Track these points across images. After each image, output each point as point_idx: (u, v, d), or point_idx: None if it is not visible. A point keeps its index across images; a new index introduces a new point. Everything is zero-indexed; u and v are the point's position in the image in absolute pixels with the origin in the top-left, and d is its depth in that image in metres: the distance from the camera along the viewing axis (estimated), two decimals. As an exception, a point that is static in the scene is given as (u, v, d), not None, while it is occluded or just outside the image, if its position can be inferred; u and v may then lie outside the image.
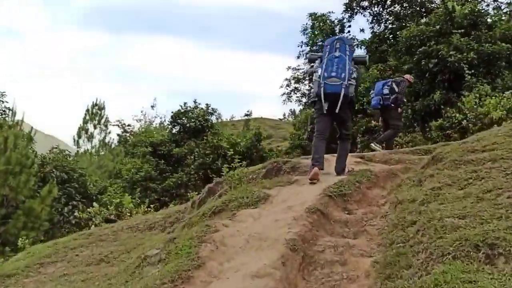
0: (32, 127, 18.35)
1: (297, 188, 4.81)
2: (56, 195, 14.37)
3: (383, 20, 17.56)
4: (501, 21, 11.02)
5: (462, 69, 10.48)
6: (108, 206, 13.85)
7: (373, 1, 17.51)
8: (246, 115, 67.25)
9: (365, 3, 17.73)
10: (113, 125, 35.51)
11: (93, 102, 33.96)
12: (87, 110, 34.61)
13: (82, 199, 16.65)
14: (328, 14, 18.48)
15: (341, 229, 3.74)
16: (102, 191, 19.71)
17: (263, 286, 2.62)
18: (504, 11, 12.36)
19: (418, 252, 2.52)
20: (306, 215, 3.74)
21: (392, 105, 8.19)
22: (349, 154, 6.19)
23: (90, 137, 34.37)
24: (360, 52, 16.94)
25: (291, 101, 21.07)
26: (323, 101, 4.97)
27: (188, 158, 23.61)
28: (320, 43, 17.57)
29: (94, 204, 12.97)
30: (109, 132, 34.33)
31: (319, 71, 5.05)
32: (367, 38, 17.83)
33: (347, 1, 17.63)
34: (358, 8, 17.74)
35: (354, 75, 5.03)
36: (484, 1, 16.05)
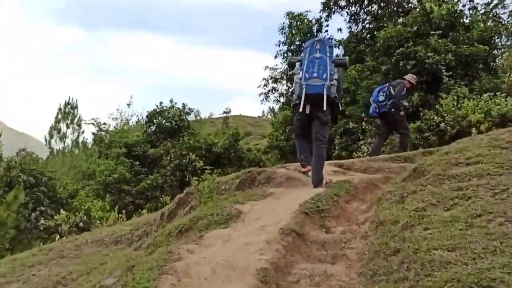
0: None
1: (271, 202, 4.49)
2: (23, 200, 13.72)
3: (361, 19, 17.43)
4: (478, 23, 10.93)
5: (440, 71, 10.35)
6: (76, 213, 13.32)
7: (351, 1, 17.34)
8: (225, 112, 66.68)
9: (343, 3, 17.56)
10: (88, 123, 34.64)
11: (65, 101, 32.98)
12: (59, 109, 33.63)
13: (51, 204, 16.02)
14: (306, 13, 18.25)
15: (318, 252, 3.43)
16: (73, 195, 19.07)
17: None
18: (481, 12, 12.30)
19: (404, 290, 2.23)
20: (280, 238, 3.42)
21: (392, 110, 7.88)
22: (328, 162, 5.94)
23: (63, 137, 33.44)
24: (337, 51, 16.78)
25: (268, 101, 20.78)
26: (302, 102, 4.90)
27: (164, 159, 23.07)
28: (298, 43, 17.33)
29: (62, 211, 12.41)
30: (83, 132, 33.39)
31: (300, 73, 4.97)
32: (345, 38, 17.68)
33: (324, 0, 17.41)
34: (335, 7, 17.55)
35: (336, 76, 4.97)
36: (460, 2, 16.07)
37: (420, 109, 10.52)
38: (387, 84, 8.18)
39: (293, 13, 18.07)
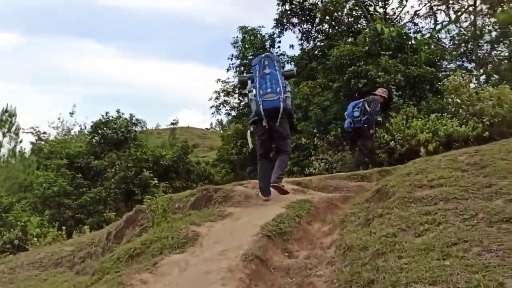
0: None
1: (230, 224, 4.25)
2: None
3: (312, 37, 17.67)
4: (425, 46, 11.32)
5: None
6: (11, 229, 12.38)
7: (303, 19, 17.56)
8: (173, 124, 65.53)
9: (295, 20, 17.74)
10: (27, 132, 32.83)
11: (3, 109, 31.10)
12: (-4, 117, 31.63)
13: (-18, 219, 14.82)
14: (259, 28, 18.29)
15: (283, 280, 3.22)
16: (7, 209, 17.81)
17: None
18: (427, 35, 12.79)
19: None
20: (242, 265, 3.19)
21: (365, 126, 7.92)
22: (286, 180, 5.81)
23: (-1, 147, 31.45)
24: (289, 67, 16.90)
25: (220, 114, 20.55)
26: (263, 117, 4.96)
27: (109, 172, 22.11)
28: (251, 57, 17.28)
29: (-6, 227, 11.45)
30: (21, 141, 31.59)
31: (254, 90, 5.06)
32: (297, 55, 17.84)
33: (277, 17, 17.53)
34: (288, 24, 17.70)
35: (288, 88, 5.12)
36: (406, 25, 16.74)
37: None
38: (362, 100, 8.25)
39: (247, 28, 18.06)
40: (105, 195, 21.14)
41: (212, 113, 20.68)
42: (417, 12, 17.19)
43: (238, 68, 18.44)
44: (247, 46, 17.82)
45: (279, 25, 17.73)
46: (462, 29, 15.57)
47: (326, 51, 15.40)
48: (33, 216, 18.66)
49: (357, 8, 16.62)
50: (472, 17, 15.00)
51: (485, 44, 15.26)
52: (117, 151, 22.99)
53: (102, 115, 23.61)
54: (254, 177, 18.33)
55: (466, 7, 15.02)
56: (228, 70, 18.80)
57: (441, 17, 16.69)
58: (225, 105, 19.52)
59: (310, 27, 17.60)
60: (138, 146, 23.29)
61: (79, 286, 3.63)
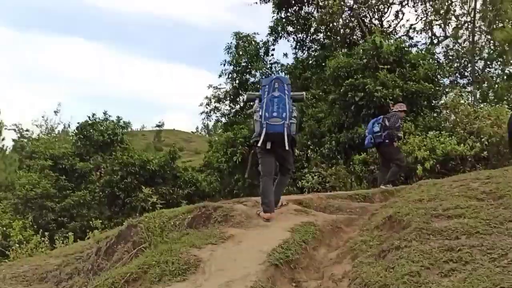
0: None
1: (233, 248, 3.99)
2: None
3: (307, 47, 17.55)
4: (423, 61, 11.26)
5: (387, 105, 10.44)
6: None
7: (298, 27, 17.44)
8: (158, 126, 64.90)
9: (290, 28, 17.61)
10: (9, 129, 32.14)
11: (-15, 106, 30.45)
12: (-22, 114, 30.92)
13: (-40, 220, 14.27)
14: (253, 35, 18.12)
15: (294, 317, 2.98)
16: (-13, 210, 17.24)
17: None
18: (424, 50, 12.73)
19: None
20: (252, 300, 2.94)
21: (387, 141, 7.83)
22: (286, 198, 5.62)
23: (-20, 144, 30.76)
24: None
25: (210, 120, 20.28)
26: (262, 138, 4.93)
27: (93, 175, 21.68)
28: (244, 64, 17.08)
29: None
30: (3, 139, 30.89)
31: (260, 111, 5.03)
32: (290, 63, 17.71)
33: (272, 24, 17.38)
34: (283, 32, 17.56)
35: (294, 113, 5.08)
36: (401, 39, 16.69)
37: (367, 141, 10.51)
38: (382, 116, 8.17)
39: (241, 34, 17.87)
40: (90, 199, 20.68)
41: (203, 119, 20.40)
42: (413, 26, 17.22)
43: (230, 75, 18.22)
44: (240, 53, 17.62)
45: (273, 32, 17.60)
46: (458, 45, 15.60)
47: (321, 61, 15.28)
48: (14, 218, 18.11)
49: (352, 19, 16.55)
50: (467, 33, 15.04)
51: (479, 61, 15.31)
52: (103, 154, 22.56)
53: (89, 117, 23.17)
54: (241, 186, 18.09)
55: (463, 23, 15.05)
56: (220, 76, 18.61)
57: (437, 31, 16.75)
58: (215, 111, 19.28)
59: (305, 36, 17.51)
60: (125, 150, 22.89)
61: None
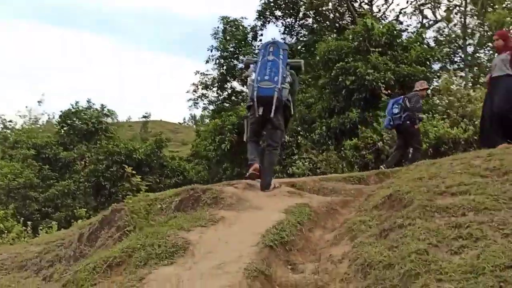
0: None
1: (224, 230, 3.75)
2: None
3: (296, 32, 17.26)
4: (415, 44, 11.05)
5: (379, 89, 10.26)
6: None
7: (286, 12, 17.13)
8: (145, 116, 64.24)
9: (278, 13, 17.29)
10: (-9, 120, 31.46)
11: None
12: (-43, 103, 30.29)
13: None
14: (241, 19, 17.75)
15: (292, 301, 2.76)
16: (-33, 201, 16.80)
17: None
18: (415, 34, 12.53)
19: None
20: (246, 283, 2.71)
21: (407, 122, 7.60)
22: (280, 180, 5.39)
23: (-40, 134, 30.07)
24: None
25: (197, 108, 19.91)
26: (256, 104, 4.86)
27: (78, 164, 21.24)
28: (232, 49, 16.73)
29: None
30: (-15, 130, 30.33)
31: (253, 75, 4.97)
32: (279, 49, 17.37)
33: (260, 9, 17.03)
34: (271, 17, 17.23)
35: (288, 79, 4.96)
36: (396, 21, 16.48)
37: (359, 126, 10.33)
38: (402, 97, 7.94)
39: (228, 18, 17.50)
40: (74, 189, 20.26)
41: (189, 106, 20.04)
42: (403, 10, 17.01)
43: (218, 60, 17.84)
44: (228, 38, 17.26)
45: (261, 17, 17.25)
46: (448, 29, 15.45)
47: (310, 46, 15.03)
48: (-4, 208, 17.65)
49: (342, 3, 16.28)
50: (459, 16, 14.88)
51: (469, 46, 15.20)
52: (87, 143, 22.10)
53: (72, 105, 22.66)
54: (229, 174, 17.82)
55: (454, 6, 14.88)
56: (207, 61, 18.23)
57: (428, 15, 16.55)
58: (203, 98, 18.90)
59: (293, 21, 17.20)
60: (110, 138, 22.45)
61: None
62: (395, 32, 11.32)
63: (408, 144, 7.86)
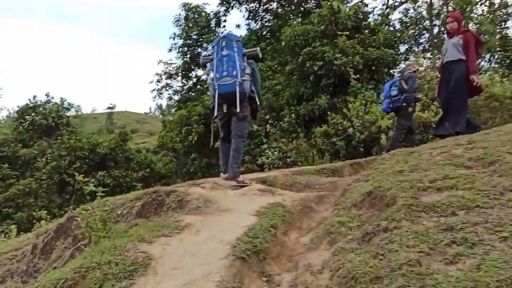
0: None
1: (191, 240, 3.38)
2: None
3: (260, 17, 16.81)
4: (382, 26, 10.84)
5: (347, 73, 10.01)
6: None
7: (250, -4, 16.66)
8: (110, 108, 62.73)
9: (241, -3, 16.79)
10: None
11: None
12: None
13: None
14: (203, 5, 17.14)
15: (269, 323, 2.43)
16: None
17: None
18: (380, 16, 12.33)
19: None
20: (216, 307, 2.35)
21: (404, 104, 7.41)
22: (249, 176, 5.05)
23: None
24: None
25: (162, 98, 19.25)
26: (216, 102, 4.84)
27: (39, 161, 20.32)
28: (195, 36, 16.16)
29: None
30: None
31: (211, 73, 4.93)
32: (243, 35, 16.93)
33: (223, -6, 16.48)
34: (234, 2, 16.72)
35: (247, 70, 4.89)
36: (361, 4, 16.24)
37: (328, 112, 10.07)
38: (398, 78, 7.64)
39: (190, 5, 16.85)
40: (36, 187, 19.40)
41: (154, 97, 19.38)
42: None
43: (181, 49, 17.21)
44: (190, 25, 16.64)
45: (224, 2, 16.70)
46: (414, 10, 15.35)
47: (276, 32, 14.64)
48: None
49: (306, -14, 15.92)
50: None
51: (435, 27, 15.16)
52: (48, 139, 21.18)
53: (29, 99, 21.64)
54: (197, 165, 17.36)
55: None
56: (170, 50, 17.55)
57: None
58: (167, 88, 18.27)
59: (257, 5, 16.73)
60: (72, 133, 21.59)
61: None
62: (361, 14, 11.06)
63: (410, 127, 7.67)
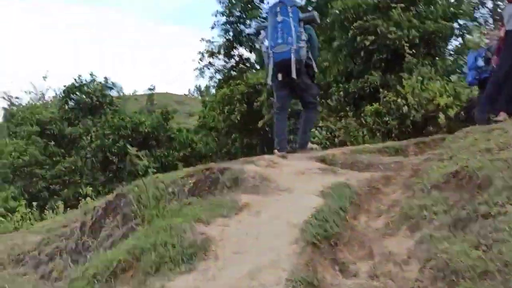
0: None
1: (251, 221, 3.07)
2: None
3: (305, -8, 16.16)
4: (440, -3, 10.09)
5: (402, 48, 9.39)
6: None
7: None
8: (150, 89, 63.75)
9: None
10: (-3, 97, 31.07)
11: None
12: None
13: None
14: (247, -20, 16.62)
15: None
16: (-27, 181, 16.36)
17: None
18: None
19: None
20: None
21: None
22: (306, 156, 4.69)
23: (-35, 112, 29.66)
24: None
25: (203, 77, 19.03)
26: (270, 71, 4.66)
27: (84, 139, 20.68)
28: (239, 14, 15.74)
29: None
30: (-10, 107, 29.80)
31: (266, 41, 4.78)
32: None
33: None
34: (278, -23, 16.07)
35: (303, 37, 4.69)
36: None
37: (380, 90, 9.51)
38: (484, 49, 7.20)
39: (233, -21, 16.40)
40: (82, 165, 19.78)
41: (196, 76, 19.19)
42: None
43: (223, 26, 16.85)
44: (234, 2, 16.21)
45: (269, -23, 16.12)
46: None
47: (323, 6, 14.01)
48: (2, 188, 17.21)
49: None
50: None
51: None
52: (92, 117, 21.50)
53: (75, 79, 21.94)
54: (238, 146, 17.10)
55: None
56: (213, 28, 17.21)
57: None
58: (209, 67, 18.00)
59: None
60: (115, 112, 21.83)
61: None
62: (418, -16, 10.33)
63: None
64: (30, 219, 9.93)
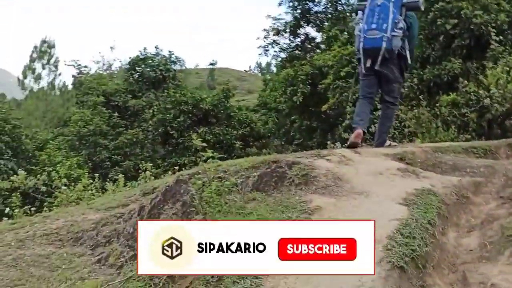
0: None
1: (324, 230, 2.72)
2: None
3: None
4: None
5: (488, 34, 8.52)
6: (42, 172, 11.49)
7: None
8: (211, 64, 64.36)
9: None
10: (68, 65, 32.34)
11: (42, 39, 30.55)
12: (35, 47, 31.17)
13: (13, 157, 14.01)
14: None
15: None
16: (41, 146, 17.08)
17: None
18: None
19: None
20: None
21: None
22: (383, 152, 4.25)
23: (37, 78, 31.07)
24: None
25: (267, 55, 18.62)
26: (362, 57, 4.43)
27: (146, 112, 21.07)
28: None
29: (20, 171, 10.44)
30: (60, 74, 31.04)
31: (360, 24, 4.46)
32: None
33: None
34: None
35: (401, 25, 4.29)
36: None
37: (459, 79, 8.73)
38: None
39: (303, -45, 15.73)
40: (143, 137, 20.20)
41: (259, 54, 18.85)
42: None
43: (291, 3, 16.27)
44: (303, -22, 15.58)
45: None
46: None
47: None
48: (68, 155, 17.88)
49: None
50: None
51: None
52: (155, 91, 21.81)
53: (140, 51, 22.28)
54: (297, 128, 16.66)
55: None
56: (280, 4, 16.66)
57: None
58: (273, 45, 17.54)
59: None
60: (177, 87, 22.02)
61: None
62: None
63: None
64: (91, 190, 10.10)
